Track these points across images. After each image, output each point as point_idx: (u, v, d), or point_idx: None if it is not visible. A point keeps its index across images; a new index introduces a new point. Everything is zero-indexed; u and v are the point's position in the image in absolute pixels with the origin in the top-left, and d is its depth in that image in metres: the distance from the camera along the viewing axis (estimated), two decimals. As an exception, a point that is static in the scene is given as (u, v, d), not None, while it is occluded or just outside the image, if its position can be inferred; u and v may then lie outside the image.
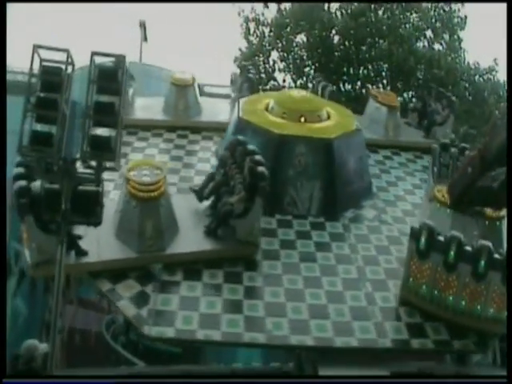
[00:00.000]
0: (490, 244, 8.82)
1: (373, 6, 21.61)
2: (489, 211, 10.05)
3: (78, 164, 7.55)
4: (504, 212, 10.04)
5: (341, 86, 22.14)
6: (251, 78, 14.51)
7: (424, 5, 22.28)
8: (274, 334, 8.54)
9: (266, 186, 9.54)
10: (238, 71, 17.25)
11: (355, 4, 21.61)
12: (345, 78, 21.88)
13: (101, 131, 7.40)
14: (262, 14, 22.55)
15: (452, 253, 8.81)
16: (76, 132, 8.56)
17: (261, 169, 9.55)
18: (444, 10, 22.38)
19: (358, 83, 22.13)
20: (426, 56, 21.48)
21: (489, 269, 8.69)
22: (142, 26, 17.23)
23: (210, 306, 8.77)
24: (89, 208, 7.29)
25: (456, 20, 22.43)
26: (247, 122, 11.70)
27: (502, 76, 21.86)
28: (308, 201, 11.25)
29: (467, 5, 22.24)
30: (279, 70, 22.08)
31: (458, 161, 11.66)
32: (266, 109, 12.37)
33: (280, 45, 22.19)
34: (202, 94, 14.69)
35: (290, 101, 12.35)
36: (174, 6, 25.64)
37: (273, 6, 22.54)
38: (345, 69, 21.70)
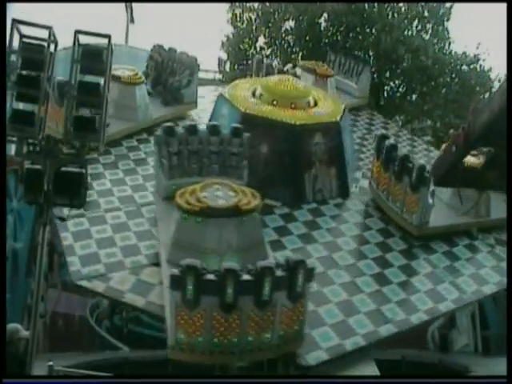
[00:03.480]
0: (272, 263, 7.57)
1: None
2: (242, 205, 8.65)
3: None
4: (258, 201, 8.82)
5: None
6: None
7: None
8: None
9: (198, 64, 14.15)
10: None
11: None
12: (332, 65, 21.72)
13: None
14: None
15: (229, 290, 7.15)
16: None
17: (192, 55, 14.13)
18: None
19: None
20: (414, 44, 21.35)
21: (273, 291, 7.34)
22: (129, 7, 16.91)
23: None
24: (72, 190, 7.20)
25: (442, 10, 22.31)
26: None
27: (486, 64, 21.92)
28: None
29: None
30: (266, 57, 21.85)
31: (188, 144, 10.36)
32: (254, 92, 12.58)
33: (267, 31, 22.01)
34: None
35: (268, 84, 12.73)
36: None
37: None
38: (332, 56, 21.54)
